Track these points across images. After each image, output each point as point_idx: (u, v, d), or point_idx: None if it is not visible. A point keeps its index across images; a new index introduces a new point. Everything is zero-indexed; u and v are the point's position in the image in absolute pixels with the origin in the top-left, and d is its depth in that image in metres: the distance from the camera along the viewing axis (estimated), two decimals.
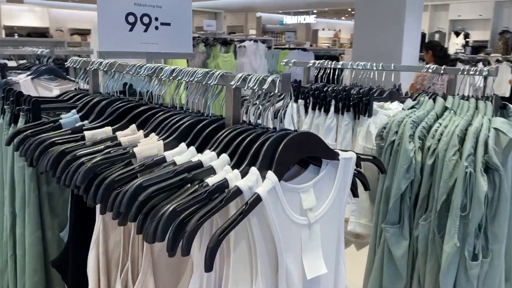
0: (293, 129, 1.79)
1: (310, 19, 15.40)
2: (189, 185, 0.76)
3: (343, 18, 17.72)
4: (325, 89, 1.77)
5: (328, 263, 0.91)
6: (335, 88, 1.79)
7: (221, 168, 0.79)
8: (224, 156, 0.81)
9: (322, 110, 1.75)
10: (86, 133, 1.01)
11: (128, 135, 1.00)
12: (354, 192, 1.01)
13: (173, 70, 1.02)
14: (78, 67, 1.34)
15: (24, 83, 2.63)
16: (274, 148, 0.79)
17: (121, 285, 0.97)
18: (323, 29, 17.61)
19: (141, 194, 0.71)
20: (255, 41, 7.43)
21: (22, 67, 2.93)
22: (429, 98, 1.59)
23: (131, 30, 1.09)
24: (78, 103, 1.27)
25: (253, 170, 0.76)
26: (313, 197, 0.85)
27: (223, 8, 16.99)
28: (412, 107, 1.57)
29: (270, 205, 0.76)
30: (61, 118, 1.18)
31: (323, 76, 2.09)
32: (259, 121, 0.92)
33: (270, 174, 0.77)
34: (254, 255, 0.78)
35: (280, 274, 0.81)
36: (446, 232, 1.38)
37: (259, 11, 16.16)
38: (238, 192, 0.73)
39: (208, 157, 0.81)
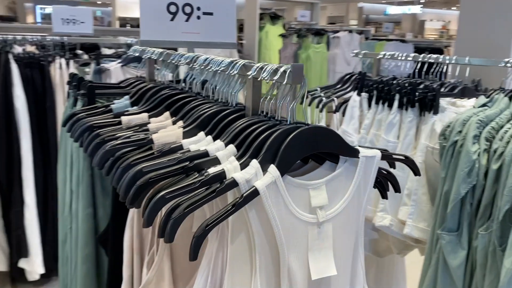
0: (352, 123, 1.72)
1: (416, 9, 14.59)
2: (195, 173, 0.77)
3: (453, 8, 16.54)
4: (390, 82, 1.67)
5: (342, 266, 0.86)
6: (401, 81, 1.69)
7: (226, 158, 0.78)
8: (231, 147, 0.80)
9: (386, 104, 1.66)
10: (123, 118, 1.06)
11: (160, 121, 1.03)
12: (383, 194, 0.95)
13: (206, 59, 1.03)
14: (138, 55, 1.41)
15: (114, 70, 2.84)
16: (280, 142, 0.77)
17: (147, 267, 1.01)
18: (430, 20, 16.61)
19: (140, 179, 0.73)
20: (350, 31, 7.22)
21: (114, 55, 3.15)
22: (505, 95, 1.43)
23: (172, 19, 1.11)
24: (132, 89, 1.34)
25: (253, 163, 0.75)
26: (325, 195, 0.81)
27: None
28: (484, 105, 1.43)
29: (270, 200, 0.74)
30: (113, 103, 1.25)
31: (425, 71, 1.96)
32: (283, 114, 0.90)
33: (272, 168, 0.75)
34: (253, 250, 0.77)
35: (282, 271, 0.79)
36: (508, 246, 1.24)
37: (360, 1, 15.68)
38: (233, 184, 0.72)
39: (215, 147, 0.81)
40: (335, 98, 1.89)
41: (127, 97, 1.28)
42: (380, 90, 1.67)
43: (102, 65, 2.90)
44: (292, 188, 0.78)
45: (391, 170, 0.95)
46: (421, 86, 1.58)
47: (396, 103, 1.61)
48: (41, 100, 2.67)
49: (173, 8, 1.09)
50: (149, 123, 1.02)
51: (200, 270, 0.85)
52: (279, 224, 0.76)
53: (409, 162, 0.93)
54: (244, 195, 0.71)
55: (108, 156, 0.86)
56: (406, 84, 1.61)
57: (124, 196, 0.75)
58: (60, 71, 2.74)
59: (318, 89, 1.99)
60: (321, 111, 1.91)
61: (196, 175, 0.75)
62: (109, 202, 1.37)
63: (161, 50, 1.30)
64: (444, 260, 1.41)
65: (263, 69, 0.83)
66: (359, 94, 1.74)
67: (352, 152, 0.84)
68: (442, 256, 1.41)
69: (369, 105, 1.72)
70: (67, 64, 2.78)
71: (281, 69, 0.80)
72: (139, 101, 1.24)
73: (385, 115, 1.65)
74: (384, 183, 0.93)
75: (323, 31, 7.30)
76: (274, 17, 7.99)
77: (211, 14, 1.12)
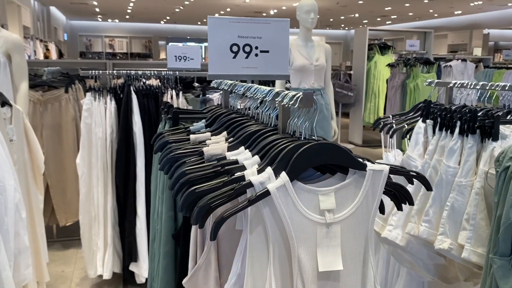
0: (417, 149, 1.80)
1: None
2: (225, 176, 0.98)
3: None
4: (453, 110, 1.73)
5: (352, 266, 1.00)
6: (464, 109, 1.73)
7: (250, 166, 0.98)
8: (256, 157, 1.00)
9: (449, 131, 1.71)
10: (191, 136, 1.32)
11: (218, 138, 1.27)
12: (397, 206, 1.06)
13: (255, 88, 1.25)
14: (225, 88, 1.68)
15: (216, 99, 3.20)
16: (292, 153, 0.95)
17: (203, 258, 1.23)
18: None
19: (182, 178, 0.96)
20: (464, 60, 6.95)
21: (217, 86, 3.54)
22: None
23: (234, 57, 1.35)
24: (208, 114, 1.61)
25: (268, 169, 0.93)
26: (333, 201, 0.96)
27: (446, 27, 16.05)
28: None
29: (280, 200, 0.92)
30: (192, 125, 1.53)
31: None
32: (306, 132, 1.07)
33: (283, 174, 0.93)
34: (269, 241, 0.95)
35: (293, 261, 0.95)
36: None
37: (486, 27, 14.80)
38: (249, 185, 0.91)
39: (244, 157, 1.01)
40: (405, 125, 1.98)
41: (203, 120, 1.55)
42: (444, 117, 1.73)
43: (207, 95, 3.29)
44: (303, 192, 0.95)
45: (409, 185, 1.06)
46: (481, 113, 1.62)
47: (457, 130, 1.66)
48: (154, 125, 3.11)
49: (235, 48, 1.33)
50: (209, 139, 1.27)
51: (235, 260, 1.05)
52: (289, 221, 0.94)
53: (419, 177, 1.04)
54: (257, 194, 0.91)
55: (169, 162, 1.11)
56: (467, 111, 1.65)
57: (171, 189, 0.99)
58: (171, 101, 3.18)
59: (390, 116, 2.08)
60: (391, 137, 2.00)
61: (225, 178, 0.96)
62: None
63: (231, 82, 1.56)
64: (496, 284, 1.41)
65: (285, 96, 1.02)
66: (424, 121, 1.81)
67: (360, 166, 0.98)
68: (495, 281, 1.42)
69: (434, 132, 1.78)
70: (177, 95, 3.21)
71: (296, 96, 0.98)
72: (212, 124, 1.50)
73: (448, 141, 1.70)
74: (399, 196, 1.04)
75: (434, 60, 7.13)
76: (384, 47, 8.00)
77: (267, 51, 1.34)
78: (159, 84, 3.27)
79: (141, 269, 3.09)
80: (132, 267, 3.13)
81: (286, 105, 1.02)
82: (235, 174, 0.95)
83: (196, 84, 3.74)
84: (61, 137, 3.65)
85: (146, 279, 3.16)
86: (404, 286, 1.95)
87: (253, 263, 0.96)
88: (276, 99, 1.06)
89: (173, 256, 1.60)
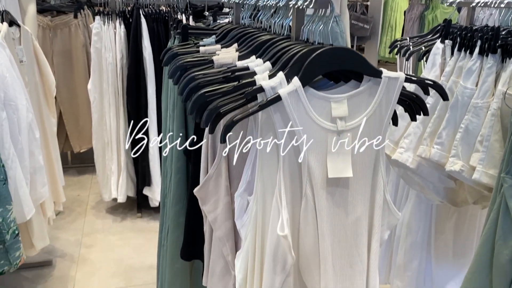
0: (433, 70, 1.75)
1: None
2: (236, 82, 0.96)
3: None
4: (474, 29, 1.65)
5: (362, 173, 0.99)
6: (485, 27, 1.65)
7: (262, 72, 0.96)
8: (267, 64, 0.97)
9: (468, 52, 1.65)
10: (201, 48, 1.28)
11: (228, 50, 1.23)
12: (412, 116, 1.04)
13: None
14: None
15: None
16: (305, 58, 0.91)
17: (214, 168, 1.24)
18: None
19: (192, 83, 0.94)
20: None
21: (230, 12, 3.44)
22: None
23: None
24: (218, 31, 1.56)
25: (279, 74, 0.91)
26: (345, 108, 0.94)
27: None
28: None
29: (291, 105, 0.90)
30: (202, 41, 1.49)
31: None
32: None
33: (295, 79, 0.90)
34: (278, 146, 0.94)
35: (303, 168, 0.95)
36: None
37: None
38: (260, 89, 0.89)
39: (255, 63, 0.98)
40: (422, 47, 1.91)
41: (214, 36, 1.51)
42: (464, 36, 1.66)
43: (218, 21, 3.20)
44: (315, 99, 0.93)
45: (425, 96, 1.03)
46: (504, 32, 1.55)
47: (477, 50, 1.60)
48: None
49: None
50: (219, 51, 1.23)
51: (245, 168, 1.06)
52: (301, 128, 0.92)
53: (436, 87, 1.01)
54: (268, 99, 0.89)
55: (178, 70, 1.09)
56: (489, 31, 1.58)
57: (181, 94, 0.97)
58: None
59: (408, 38, 2.01)
60: (407, 59, 1.94)
61: (235, 83, 0.94)
62: None
63: None
64: (506, 203, 1.42)
65: None
66: (442, 42, 1.75)
67: (375, 72, 0.95)
68: (504, 200, 1.42)
69: (452, 53, 1.72)
70: (187, 19, 3.12)
71: None
72: (223, 39, 1.46)
73: (466, 62, 1.65)
74: (414, 106, 1.02)
75: None
76: None
77: None
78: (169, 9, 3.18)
79: (155, 193, 3.17)
80: (146, 191, 3.21)
81: (301, 7, 0.97)
82: (246, 79, 0.93)
83: (206, 13, 3.63)
84: (71, 64, 3.63)
85: (159, 203, 3.26)
86: (412, 209, 1.97)
87: (263, 169, 0.96)
88: (290, 2, 1.01)
89: (185, 172, 1.61)
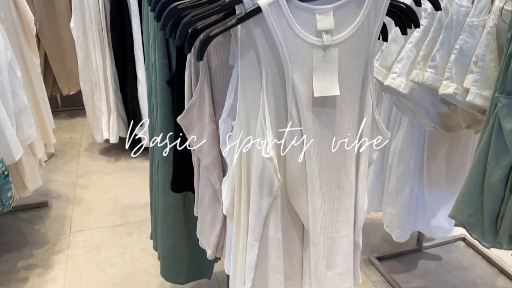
0: None
1: None
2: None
3: None
4: None
5: (350, 91, 0.95)
6: None
7: None
8: None
9: None
10: None
11: None
12: (401, 29, 0.98)
13: None
14: None
15: None
16: None
17: (196, 94, 1.19)
18: None
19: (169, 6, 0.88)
20: None
21: None
22: None
23: None
24: None
25: None
26: (331, 20, 0.88)
27: None
28: None
29: (272, 18, 0.84)
30: None
31: None
32: None
33: None
34: (261, 66, 0.89)
35: (287, 87, 0.91)
36: None
37: None
38: (237, 1, 0.83)
39: None
40: None
41: None
42: None
43: None
44: (298, 10, 0.87)
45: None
46: None
47: None
48: None
49: None
50: None
51: (228, 93, 1.01)
52: (283, 42, 0.87)
53: None
54: (248, 10, 0.82)
55: None
56: None
57: (157, 19, 0.91)
58: None
59: None
60: None
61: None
62: None
63: None
64: (499, 124, 1.39)
65: None
66: None
67: None
68: (498, 120, 1.39)
69: None
70: None
71: None
72: None
73: None
74: (405, 19, 0.96)
75: None
76: None
77: None
78: None
79: (146, 133, 3.13)
80: (138, 130, 3.17)
81: None
82: None
83: None
84: (53, 2, 3.47)
85: None
86: (405, 136, 1.95)
87: (245, 90, 0.91)
88: None
89: (170, 105, 1.56)
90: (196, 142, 1.16)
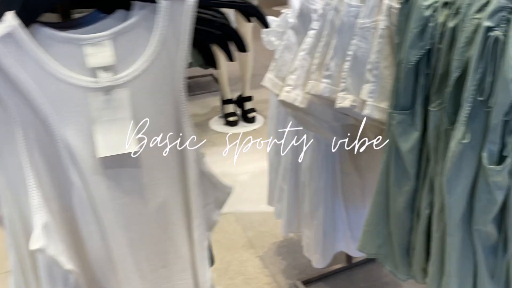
0: None
1: None
2: None
3: None
4: None
5: (160, 140, 0.71)
6: None
7: None
8: None
9: None
10: None
11: None
12: (230, 56, 0.74)
13: None
14: None
15: None
16: None
17: None
18: None
19: None
20: None
21: None
22: None
23: None
24: None
25: None
26: (109, 53, 0.63)
27: None
28: None
29: (10, 58, 0.58)
30: None
31: None
32: None
33: (9, 15, 0.58)
34: (16, 124, 0.63)
35: (61, 150, 0.65)
36: (458, 124, 0.98)
37: None
38: None
39: None
40: None
41: None
42: None
43: None
44: (57, 44, 0.62)
45: None
46: None
47: None
48: None
49: None
50: None
51: None
52: (38, 89, 0.61)
53: (250, 8, 0.70)
54: None
55: None
56: None
57: None
58: None
59: None
60: None
61: None
62: None
63: None
64: (395, 144, 1.19)
65: None
66: None
67: None
68: (393, 139, 1.19)
69: None
70: None
71: None
72: None
73: None
74: (223, 39, 0.72)
75: None
76: None
77: None
78: None
79: None
80: None
81: None
82: None
83: None
84: None
85: None
86: (312, 152, 1.74)
87: (4, 159, 0.65)
88: None
89: None
90: None
